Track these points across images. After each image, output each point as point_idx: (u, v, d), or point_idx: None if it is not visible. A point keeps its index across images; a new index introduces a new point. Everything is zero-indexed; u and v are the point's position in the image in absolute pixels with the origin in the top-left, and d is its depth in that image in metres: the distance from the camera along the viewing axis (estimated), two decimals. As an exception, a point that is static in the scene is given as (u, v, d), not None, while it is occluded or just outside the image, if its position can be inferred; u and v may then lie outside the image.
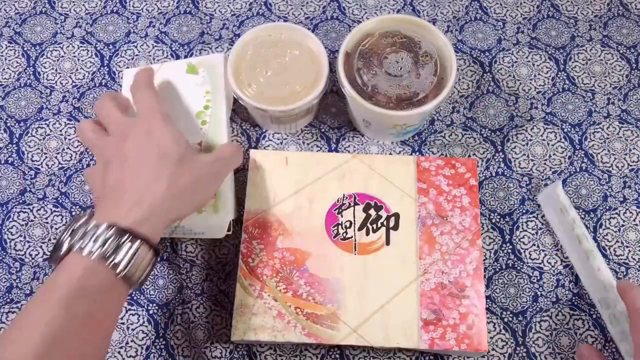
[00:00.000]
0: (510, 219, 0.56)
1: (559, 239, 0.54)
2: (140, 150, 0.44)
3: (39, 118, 0.60)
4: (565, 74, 0.61)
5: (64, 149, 0.59)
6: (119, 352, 0.51)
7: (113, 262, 0.40)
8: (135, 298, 0.53)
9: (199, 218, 0.50)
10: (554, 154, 0.58)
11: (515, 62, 0.62)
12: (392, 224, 0.52)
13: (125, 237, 0.40)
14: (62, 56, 0.63)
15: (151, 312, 0.53)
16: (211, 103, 0.53)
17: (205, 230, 0.51)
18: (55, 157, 0.58)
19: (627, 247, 0.54)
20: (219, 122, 0.52)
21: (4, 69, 0.62)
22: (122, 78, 0.58)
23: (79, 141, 0.59)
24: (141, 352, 0.52)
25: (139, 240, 0.40)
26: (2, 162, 0.58)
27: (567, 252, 0.53)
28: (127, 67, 0.61)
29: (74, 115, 0.60)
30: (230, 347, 0.52)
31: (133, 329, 0.52)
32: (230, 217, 0.51)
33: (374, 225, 0.52)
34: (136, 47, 0.63)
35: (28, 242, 0.55)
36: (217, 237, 0.51)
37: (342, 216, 0.52)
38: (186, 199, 0.45)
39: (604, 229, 0.55)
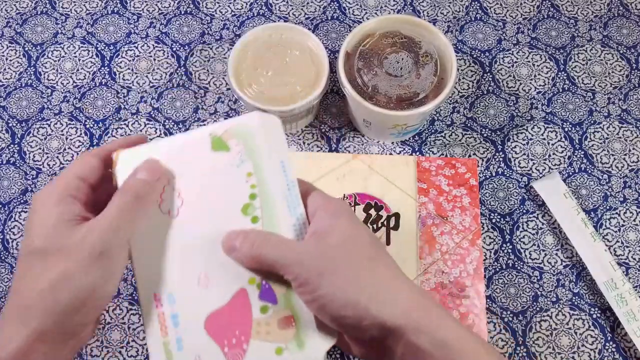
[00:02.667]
0: (510, 218, 0.56)
1: (560, 224, 0.53)
2: None
3: (40, 118, 0.60)
4: (565, 74, 0.61)
5: (65, 149, 0.59)
6: (120, 352, 0.51)
7: None
8: (136, 298, 0.53)
9: None
10: (554, 154, 0.58)
11: (516, 62, 0.62)
12: (392, 224, 0.52)
13: None
14: (63, 56, 0.63)
15: (152, 311, 0.53)
16: (259, 189, 0.36)
17: None
18: (57, 157, 0.58)
19: (627, 247, 0.55)
20: (276, 214, 0.36)
21: (5, 69, 0.62)
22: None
23: (80, 141, 0.59)
24: (142, 352, 0.52)
25: None
26: (4, 162, 0.58)
27: (571, 238, 0.53)
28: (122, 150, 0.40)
29: (75, 115, 0.60)
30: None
31: (134, 329, 0.52)
32: (324, 349, 0.35)
33: (375, 225, 0.52)
34: (137, 47, 0.63)
35: (29, 242, 0.55)
36: None
37: (342, 216, 0.52)
38: (66, 304, 0.32)
39: (604, 229, 0.55)
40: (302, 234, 0.36)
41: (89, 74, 0.62)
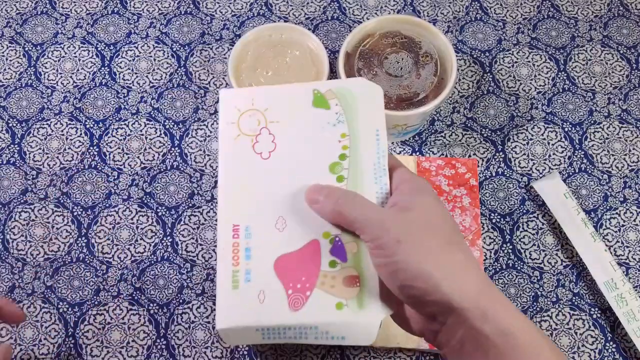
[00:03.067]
0: (510, 219, 0.56)
1: (560, 224, 0.53)
2: None
3: (40, 118, 0.60)
4: (565, 74, 0.61)
5: (65, 149, 0.59)
6: (120, 352, 0.51)
7: None
8: (136, 298, 0.53)
9: (338, 317, 0.36)
10: (554, 154, 0.58)
11: (516, 62, 0.62)
12: (392, 224, 0.52)
13: None
14: (63, 56, 0.63)
15: (152, 312, 0.53)
16: (350, 151, 0.38)
17: (347, 335, 0.36)
18: (57, 157, 0.58)
19: (628, 247, 0.55)
20: (362, 178, 0.38)
21: (5, 69, 0.62)
22: (217, 101, 0.54)
23: (80, 141, 0.59)
24: (142, 352, 0.52)
25: None
26: (4, 162, 0.58)
27: (571, 238, 0.53)
28: (224, 87, 0.46)
29: (75, 115, 0.60)
30: (231, 347, 0.52)
31: (134, 329, 0.52)
32: (383, 315, 0.36)
33: (375, 225, 0.52)
34: (137, 47, 0.63)
35: (29, 242, 0.55)
36: (364, 343, 0.36)
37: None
38: None
39: (604, 229, 0.55)
40: (383, 204, 0.37)
41: (89, 74, 0.62)
